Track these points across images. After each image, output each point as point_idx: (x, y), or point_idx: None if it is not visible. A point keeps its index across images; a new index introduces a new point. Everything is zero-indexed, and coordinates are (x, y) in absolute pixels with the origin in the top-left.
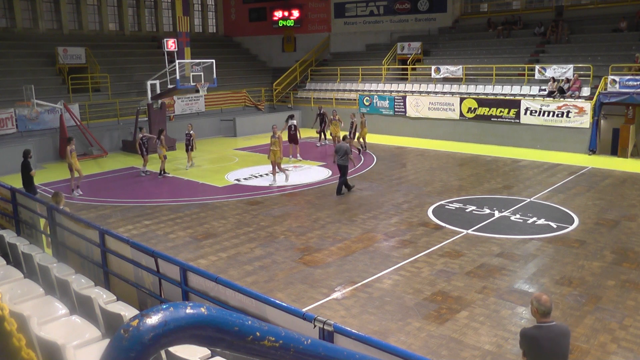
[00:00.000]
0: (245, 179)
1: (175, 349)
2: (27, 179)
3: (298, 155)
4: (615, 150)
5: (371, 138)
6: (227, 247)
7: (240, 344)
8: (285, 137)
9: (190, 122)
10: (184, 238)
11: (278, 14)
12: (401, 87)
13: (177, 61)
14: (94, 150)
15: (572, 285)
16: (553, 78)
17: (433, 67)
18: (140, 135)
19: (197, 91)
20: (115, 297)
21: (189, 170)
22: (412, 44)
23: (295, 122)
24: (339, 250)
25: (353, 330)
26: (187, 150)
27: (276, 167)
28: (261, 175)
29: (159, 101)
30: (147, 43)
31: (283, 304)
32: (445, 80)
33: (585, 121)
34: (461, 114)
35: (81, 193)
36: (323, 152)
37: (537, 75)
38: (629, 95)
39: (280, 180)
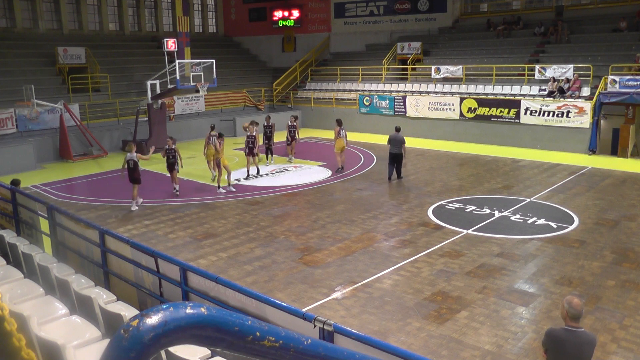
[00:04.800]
0: (245, 178)
1: (175, 349)
2: None
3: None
4: (615, 150)
5: (371, 138)
6: (227, 247)
7: (240, 344)
8: (283, 136)
9: (171, 136)
10: (184, 238)
11: (278, 14)
12: (401, 87)
13: (177, 61)
14: (94, 150)
15: (572, 285)
16: (553, 78)
17: (433, 67)
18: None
19: (197, 91)
20: (115, 297)
21: (189, 170)
22: (412, 44)
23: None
24: (339, 250)
25: (353, 330)
26: (171, 170)
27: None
28: (261, 175)
29: (159, 101)
30: (147, 43)
31: (283, 304)
32: (445, 80)
33: (585, 121)
34: (461, 114)
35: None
36: (323, 152)
37: (537, 75)
38: (629, 95)
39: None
